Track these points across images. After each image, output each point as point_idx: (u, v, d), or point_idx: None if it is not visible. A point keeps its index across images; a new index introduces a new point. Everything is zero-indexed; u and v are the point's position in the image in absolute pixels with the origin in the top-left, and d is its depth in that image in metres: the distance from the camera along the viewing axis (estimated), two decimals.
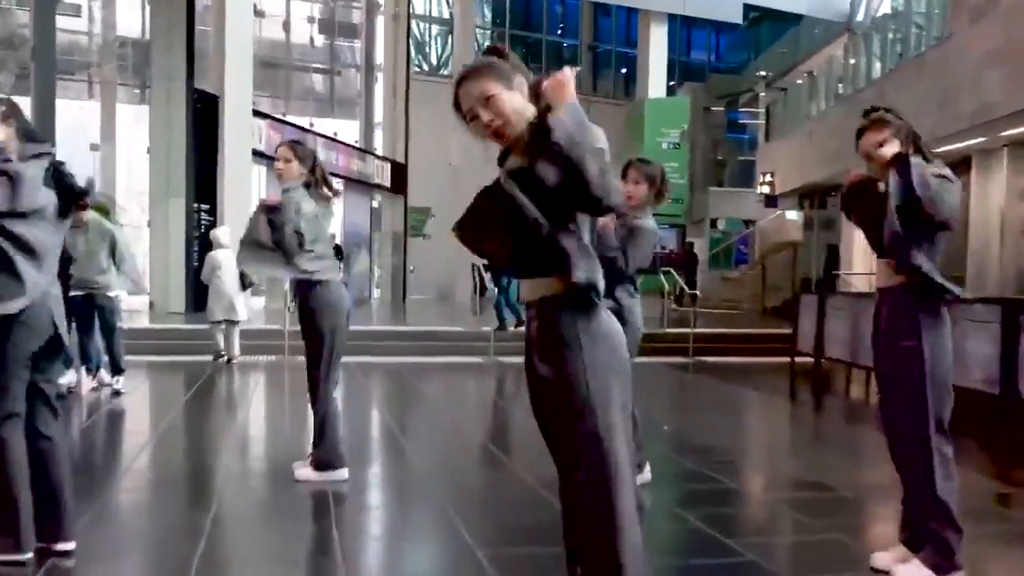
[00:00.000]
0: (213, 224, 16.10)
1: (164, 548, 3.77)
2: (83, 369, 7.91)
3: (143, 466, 5.40)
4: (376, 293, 23.15)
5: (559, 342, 2.33)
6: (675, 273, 16.76)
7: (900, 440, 3.41)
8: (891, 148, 3.30)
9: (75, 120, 20.10)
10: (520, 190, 2.30)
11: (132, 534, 4.06)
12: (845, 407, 8.71)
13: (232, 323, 10.21)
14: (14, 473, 3.24)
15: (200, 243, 16.23)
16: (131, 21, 22.08)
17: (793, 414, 8.22)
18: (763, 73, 26.92)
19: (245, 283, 10.21)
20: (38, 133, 3.61)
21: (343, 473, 4.75)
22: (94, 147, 20.24)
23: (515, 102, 2.35)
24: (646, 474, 4.75)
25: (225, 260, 9.98)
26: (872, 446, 5.53)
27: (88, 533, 3.67)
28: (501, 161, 2.46)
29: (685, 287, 16.28)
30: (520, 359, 2.50)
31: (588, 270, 2.30)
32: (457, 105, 2.40)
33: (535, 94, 2.38)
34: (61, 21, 17.70)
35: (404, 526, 4.26)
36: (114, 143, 20.50)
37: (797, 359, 9.50)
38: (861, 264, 17.53)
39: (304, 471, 4.78)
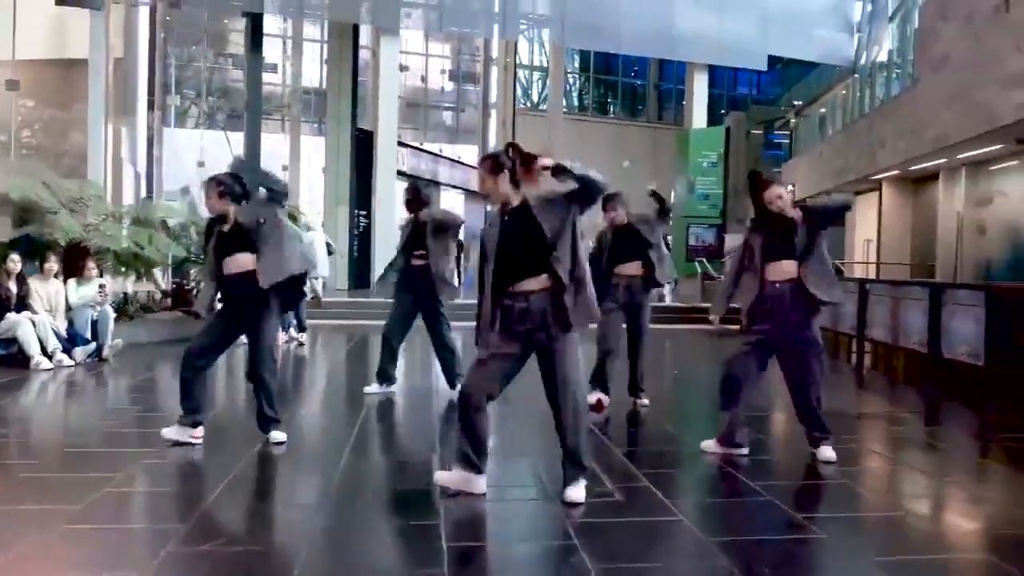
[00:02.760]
0: (369, 225, 17.35)
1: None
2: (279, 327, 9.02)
3: (320, 389, 6.69)
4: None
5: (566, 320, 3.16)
6: (705, 262, 17.51)
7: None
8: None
9: (272, 148, 21.54)
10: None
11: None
12: (828, 363, 9.18)
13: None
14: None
15: (359, 239, 17.53)
16: (312, 74, 23.47)
17: None
18: (795, 103, 26.75)
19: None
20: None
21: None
22: (285, 168, 21.72)
23: (502, 182, 3.24)
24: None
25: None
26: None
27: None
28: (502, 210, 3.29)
29: (711, 271, 16.96)
30: None
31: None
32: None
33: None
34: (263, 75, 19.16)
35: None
36: (299, 164, 21.84)
37: None
38: (860, 255, 17.75)
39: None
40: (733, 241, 23.54)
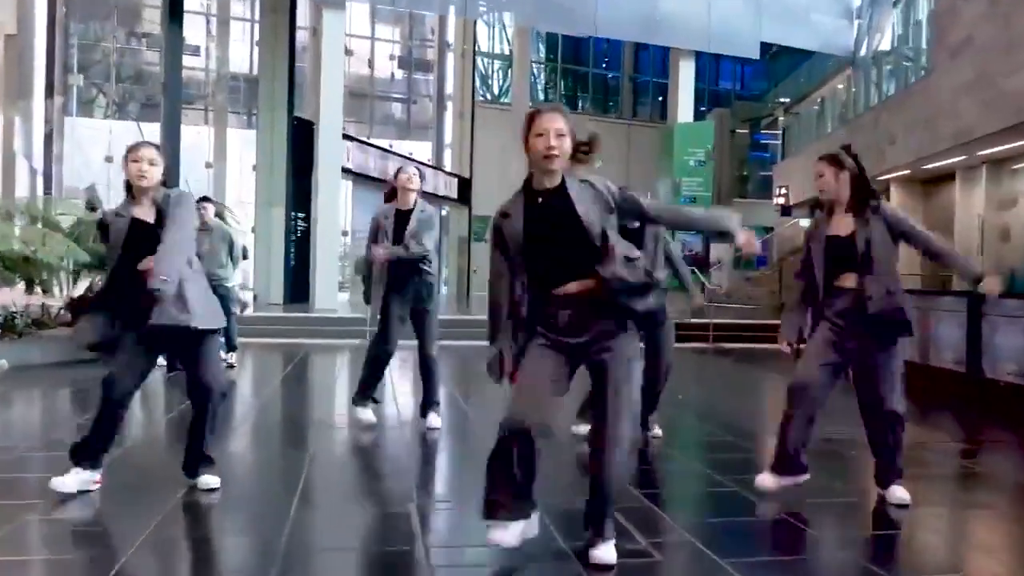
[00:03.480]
0: (308, 230, 16.83)
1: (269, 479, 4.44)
2: None
3: (256, 421, 6.08)
4: (444, 289, 23.81)
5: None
6: (699, 272, 17.12)
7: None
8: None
9: (193, 142, 20.86)
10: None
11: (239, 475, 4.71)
12: (843, 385, 8.90)
13: None
14: None
15: (296, 245, 16.98)
16: (241, 59, 22.84)
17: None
18: (782, 100, 26.98)
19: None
20: None
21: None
22: (208, 165, 21.01)
23: (568, 149, 2.82)
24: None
25: None
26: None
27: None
28: (527, 183, 2.89)
29: (706, 283, 16.67)
30: None
31: None
32: (529, 123, 2.82)
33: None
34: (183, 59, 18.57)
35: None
36: (225, 161, 21.21)
37: (801, 346, 9.50)
38: None
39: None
40: (719, 251, 23.58)
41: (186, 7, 16.52)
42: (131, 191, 3.75)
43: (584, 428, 4.82)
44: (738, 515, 3.72)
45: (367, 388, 5.43)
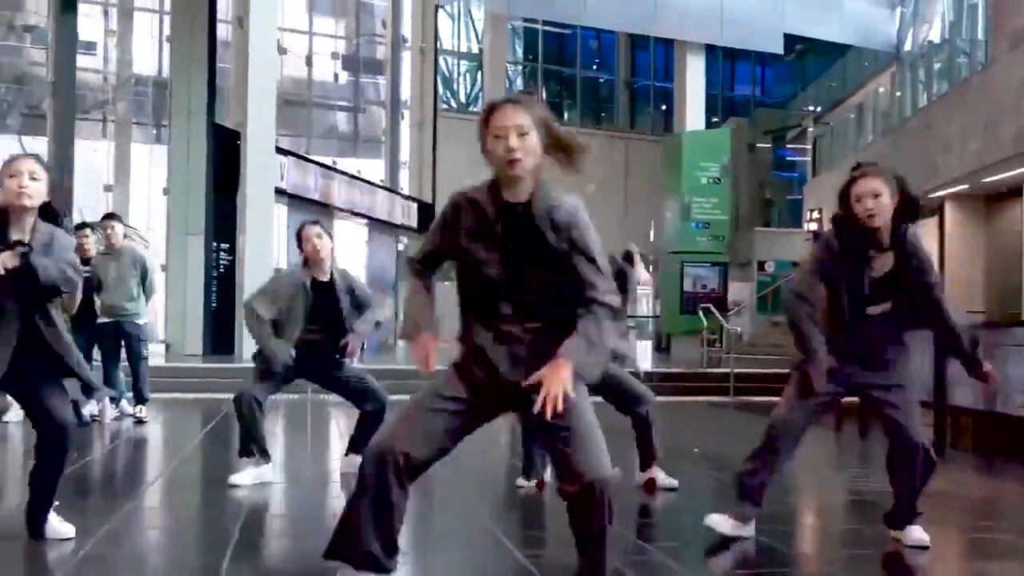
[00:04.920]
0: (233, 263, 16.74)
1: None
2: (107, 398, 8.17)
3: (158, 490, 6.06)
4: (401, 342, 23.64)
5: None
6: (716, 312, 17.25)
7: None
8: None
9: (89, 161, 20.69)
10: None
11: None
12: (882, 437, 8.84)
13: None
14: None
15: (219, 283, 16.88)
16: (147, 59, 22.85)
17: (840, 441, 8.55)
18: (811, 108, 27.46)
19: None
20: None
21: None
22: (108, 188, 20.85)
23: (537, 148, 2.77)
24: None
25: None
26: None
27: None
28: (492, 187, 2.85)
29: (726, 325, 16.74)
30: None
31: None
32: (485, 122, 2.78)
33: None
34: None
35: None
36: (128, 182, 21.04)
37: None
38: None
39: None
40: (739, 291, 23.78)
41: None
42: (3, 213, 3.71)
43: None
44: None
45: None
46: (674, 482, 5.45)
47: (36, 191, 3.70)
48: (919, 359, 7.82)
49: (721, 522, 4.14)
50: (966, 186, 14.91)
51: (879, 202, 3.80)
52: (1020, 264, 14.12)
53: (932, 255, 14.48)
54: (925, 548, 4.05)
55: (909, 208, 3.91)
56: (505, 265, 2.82)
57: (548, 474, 5.33)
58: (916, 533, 4.09)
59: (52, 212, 3.83)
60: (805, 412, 4.14)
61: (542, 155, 2.80)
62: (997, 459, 7.53)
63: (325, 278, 5.43)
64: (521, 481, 5.42)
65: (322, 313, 5.38)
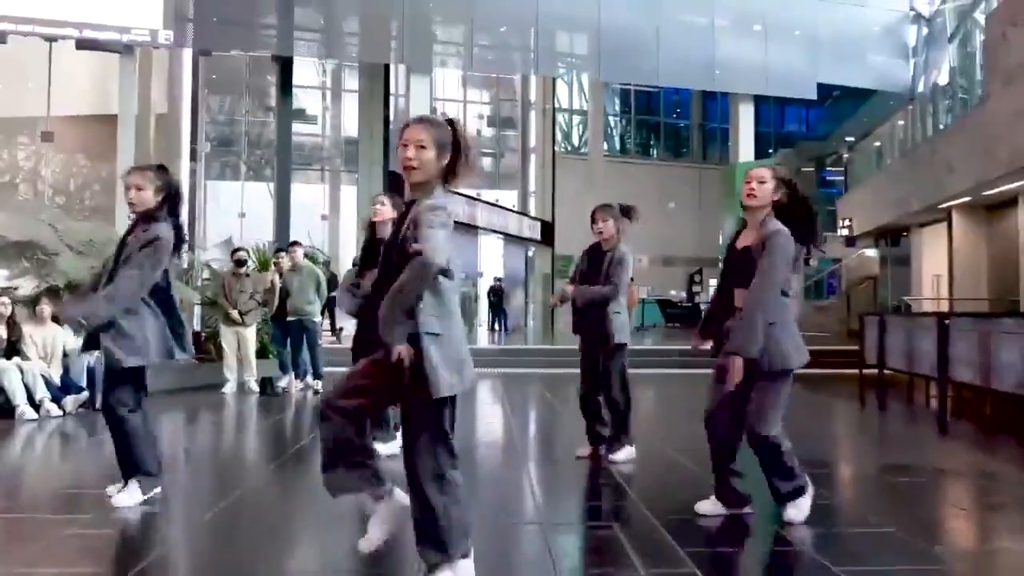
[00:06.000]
0: None
1: None
2: (292, 374, 8.34)
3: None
4: (531, 323, 23.49)
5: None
6: None
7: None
8: None
9: (310, 198, 21.34)
10: None
11: None
12: (905, 409, 7.77)
13: None
14: None
15: None
16: (352, 125, 23.44)
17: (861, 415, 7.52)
18: (847, 139, 25.68)
19: None
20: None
21: None
22: (324, 217, 21.45)
23: (431, 160, 2.39)
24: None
25: None
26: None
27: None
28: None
29: None
30: None
31: None
32: (400, 133, 2.47)
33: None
34: (301, 127, 19.16)
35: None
36: (339, 214, 21.64)
37: (864, 371, 8.27)
38: (929, 290, 16.49)
39: None
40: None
41: (304, 82, 17.04)
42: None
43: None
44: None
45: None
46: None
47: (140, 199, 3.55)
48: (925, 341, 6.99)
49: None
50: (969, 198, 13.48)
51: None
52: (1017, 262, 12.67)
53: (941, 258, 13.19)
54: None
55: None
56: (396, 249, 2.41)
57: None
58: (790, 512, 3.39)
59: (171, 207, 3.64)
60: None
61: (438, 166, 2.41)
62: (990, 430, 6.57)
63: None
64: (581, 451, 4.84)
65: None
